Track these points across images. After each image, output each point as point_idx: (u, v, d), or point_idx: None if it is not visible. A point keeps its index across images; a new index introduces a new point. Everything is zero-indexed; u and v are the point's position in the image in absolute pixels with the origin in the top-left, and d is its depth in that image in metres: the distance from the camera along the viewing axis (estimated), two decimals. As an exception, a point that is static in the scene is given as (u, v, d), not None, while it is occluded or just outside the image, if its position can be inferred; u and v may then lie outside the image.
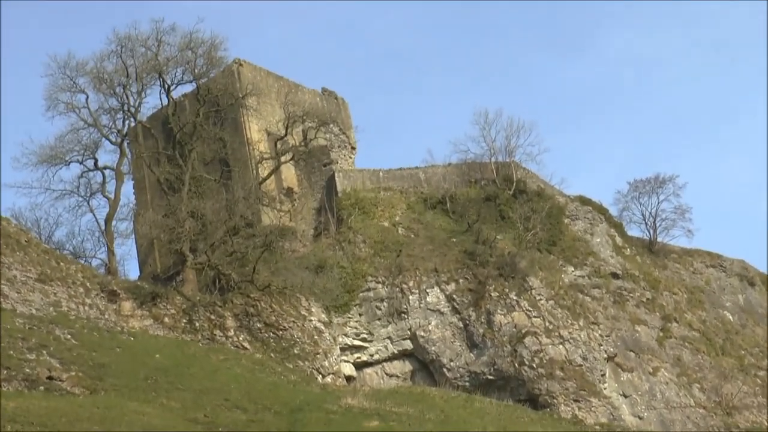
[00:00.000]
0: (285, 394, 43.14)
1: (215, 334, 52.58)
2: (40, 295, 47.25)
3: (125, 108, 63.59)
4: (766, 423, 62.68)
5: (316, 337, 55.34)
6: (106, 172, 63.39)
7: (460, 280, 60.51)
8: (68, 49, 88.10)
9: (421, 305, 59.73)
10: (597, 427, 55.00)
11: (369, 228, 63.04)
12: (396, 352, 59.73)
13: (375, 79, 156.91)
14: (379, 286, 60.26)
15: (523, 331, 58.27)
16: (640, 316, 65.62)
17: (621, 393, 60.47)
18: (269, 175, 64.02)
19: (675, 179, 74.10)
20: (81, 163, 63.32)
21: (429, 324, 59.40)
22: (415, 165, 69.43)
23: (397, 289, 59.97)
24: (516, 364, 57.29)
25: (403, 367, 59.89)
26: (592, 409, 56.26)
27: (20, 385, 36.18)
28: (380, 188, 66.41)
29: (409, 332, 59.49)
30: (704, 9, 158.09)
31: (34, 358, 38.56)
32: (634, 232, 74.37)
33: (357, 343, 59.41)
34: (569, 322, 59.99)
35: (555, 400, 56.04)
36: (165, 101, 65.17)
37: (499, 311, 59.00)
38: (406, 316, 59.63)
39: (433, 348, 58.91)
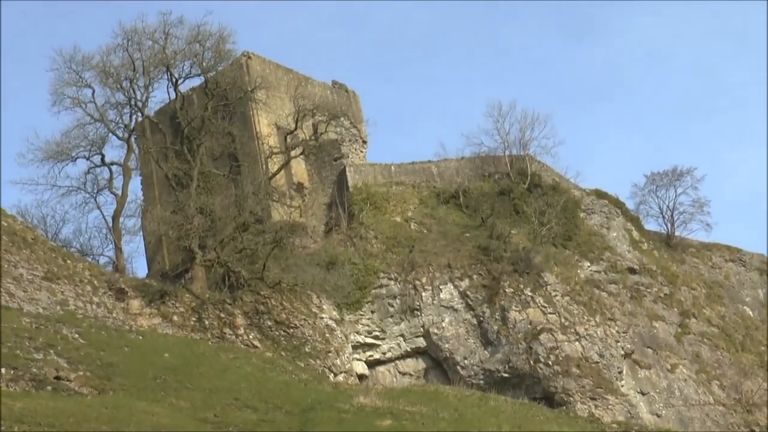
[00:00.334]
0: (296, 393, 42.71)
1: (225, 333, 52.13)
2: (47, 294, 46.83)
3: (132, 102, 63.07)
4: (786, 420, 62.04)
5: (327, 335, 54.86)
6: (113, 167, 62.94)
7: (474, 276, 59.94)
8: (74, 42, 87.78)
9: (435, 302, 59.21)
10: (614, 426, 54.27)
11: (381, 223, 62.54)
12: (409, 349, 59.27)
13: (386, 71, 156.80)
14: (392, 282, 59.78)
15: (539, 328, 57.73)
16: (657, 311, 65.08)
17: (638, 390, 59.99)
18: (279, 170, 63.50)
19: (693, 172, 73.89)
20: (88, 158, 62.90)
21: (442, 321, 58.85)
22: (427, 159, 69.11)
23: (410, 285, 59.49)
24: (531, 362, 56.76)
25: (417, 365, 59.40)
26: (609, 407, 55.70)
27: (27, 385, 35.83)
28: (392, 183, 65.90)
29: (422, 329, 58.98)
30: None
31: (41, 357, 38.16)
32: (651, 226, 74.08)
33: (369, 340, 58.94)
34: (585, 318, 59.41)
35: (571, 398, 55.54)
36: (173, 95, 64.75)
37: (513, 307, 58.45)
38: (419, 313, 59.13)
39: (446, 345, 58.38)
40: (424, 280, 59.67)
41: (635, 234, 70.25)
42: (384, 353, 59.26)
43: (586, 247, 65.70)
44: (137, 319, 50.38)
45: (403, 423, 39.68)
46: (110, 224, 61.04)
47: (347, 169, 65.47)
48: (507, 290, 59.13)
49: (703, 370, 63.58)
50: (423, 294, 59.35)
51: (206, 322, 52.46)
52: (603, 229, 68.15)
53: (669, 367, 62.20)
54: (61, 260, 50.46)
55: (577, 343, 57.90)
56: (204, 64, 63.48)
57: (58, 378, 36.77)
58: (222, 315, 53.02)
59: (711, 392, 62.35)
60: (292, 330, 53.86)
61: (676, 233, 73.86)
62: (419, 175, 67.39)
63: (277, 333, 53.53)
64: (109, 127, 62.67)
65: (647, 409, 59.34)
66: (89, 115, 62.27)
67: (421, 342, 59.20)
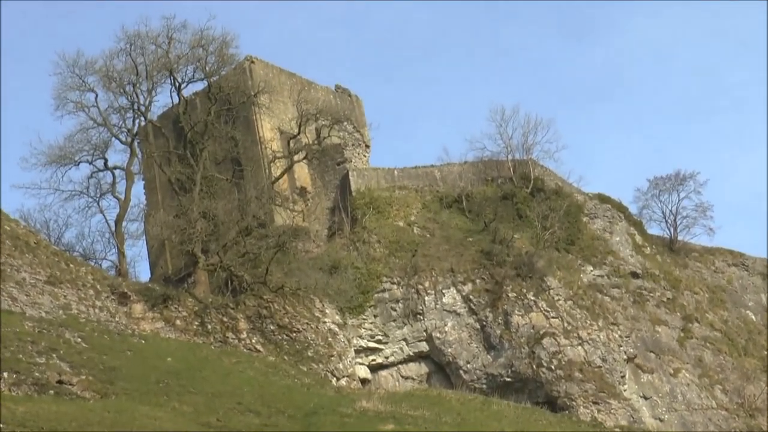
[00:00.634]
0: (299, 397, 42.67)
1: (228, 337, 52.07)
2: (49, 298, 46.81)
3: (135, 107, 63.15)
4: (790, 425, 61.86)
5: (330, 339, 54.78)
6: (116, 172, 63.06)
7: (477, 281, 59.83)
8: (77, 47, 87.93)
9: (437, 306, 59.11)
10: (617, 430, 54.38)
11: (384, 228, 62.46)
12: (412, 354, 59.16)
13: (387, 72, 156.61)
14: (394, 286, 59.66)
15: (541, 332, 57.59)
16: (660, 316, 64.94)
17: (641, 395, 59.82)
18: (282, 174, 63.46)
19: (696, 176, 73.68)
20: (91, 163, 62.99)
21: (445, 325, 58.75)
22: (430, 163, 68.94)
23: (413, 289, 59.38)
24: (534, 366, 56.60)
25: (419, 369, 59.27)
26: (612, 411, 55.56)
27: (30, 389, 35.84)
28: (395, 187, 65.81)
29: (424, 334, 58.88)
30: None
31: (43, 361, 38.17)
32: (654, 230, 73.92)
33: (372, 345, 58.82)
34: (588, 322, 59.28)
35: (574, 403, 55.36)
36: (176, 100, 64.78)
37: (516, 312, 58.32)
38: (421, 318, 59.03)
39: (449, 350, 58.28)
40: (426, 284, 59.57)
41: (638, 238, 70.10)
42: (387, 357, 59.13)
43: (588, 251, 65.56)
44: (140, 323, 50.34)
45: (405, 427, 39.74)
46: (113, 228, 61.11)
47: (350, 173, 65.40)
48: (510, 294, 59.00)
49: (706, 374, 63.40)
50: (426, 298, 59.23)
51: (209, 327, 52.40)
52: (606, 233, 67.99)
53: (672, 372, 62.02)
54: (63, 264, 50.44)
55: (579, 347, 57.75)
56: (207, 68, 63.53)
57: (60, 382, 36.78)
58: (225, 319, 52.96)
59: (714, 396, 62.18)
60: (294, 334, 53.78)
61: (679, 237, 73.67)
62: (422, 180, 67.32)
63: (279, 337, 53.47)
64: (112, 132, 62.78)
65: (650, 414, 59.19)
66: (92, 119, 62.41)
67: (423, 346, 59.07)
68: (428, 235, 62.87)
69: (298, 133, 64.25)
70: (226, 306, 53.42)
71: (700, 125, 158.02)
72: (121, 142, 63.21)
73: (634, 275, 66.00)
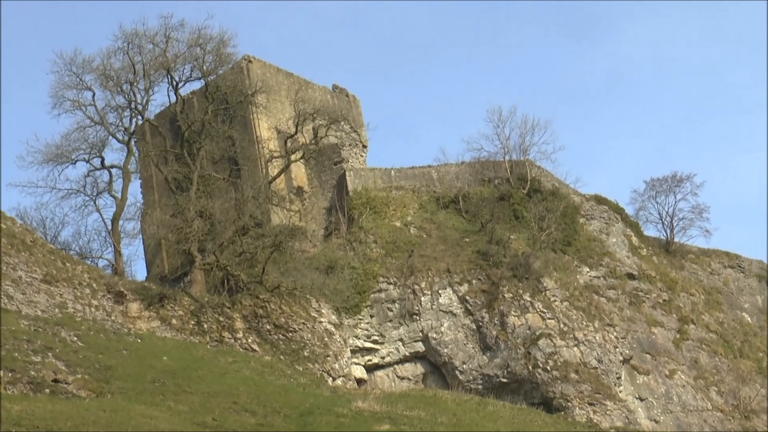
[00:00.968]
0: (295, 397, 42.62)
1: (224, 336, 52.01)
2: (45, 297, 46.71)
3: (132, 105, 63.03)
4: (784, 427, 61.95)
5: (326, 339, 54.74)
6: (113, 170, 62.97)
7: (473, 281, 59.83)
8: (75, 45, 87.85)
9: (434, 306, 59.09)
10: (612, 431, 54.18)
11: (380, 228, 62.46)
12: (408, 354, 59.17)
13: (386, 73, 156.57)
14: (391, 287, 59.66)
15: (537, 333, 57.60)
16: (656, 317, 65.00)
17: (637, 396, 59.84)
18: (279, 173, 63.40)
19: (692, 178, 73.92)
20: (87, 161, 62.90)
21: (441, 326, 58.74)
22: (427, 163, 68.93)
23: (409, 290, 59.37)
24: (530, 367, 56.59)
25: (415, 369, 59.27)
26: (608, 412, 55.55)
27: (25, 387, 35.73)
28: (392, 187, 65.81)
29: (421, 334, 58.87)
30: (722, 1, 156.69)
31: (39, 360, 38.09)
32: (650, 231, 74.08)
33: (368, 345, 58.82)
34: (584, 323, 59.30)
35: (569, 404, 55.35)
36: (173, 99, 64.60)
37: (512, 313, 58.32)
38: (418, 318, 59.02)
39: (445, 350, 58.27)
40: (423, 284, 59.56)
41: (634, 240, 70.14)
42: (383, 358, 59.12)
43: (585, 252, 65.61)
44: (136, 322, 50.29)
45: (401, 428, 39.72)
46: (109, 227, 61.00)
47: (347, 173, 65.38)
48: (506, 295, 59.01)
49: (702, 376, 63.45)
50: (422, 299, 59.24)
51: (205, 326, 52.33)
52: (602, 234, 68.03)
53: (667, 373, 62.07)
54: (60, 263, 50.36)
55: (575, 348, 57.76)
56: (204, 67, 63.40)
57: (56, 381, 36.70)
58: (221, 318, 52.90)
59: (709, 398, 62.21)
60: (290, 334, 53.73)
61: (676, 239, 73.85)
62: (419, 180, 67.31)
63: (275, 337, 53.42)
64: (109, 130, 62.68)
65: (645, 415, 59.21)
66: (89, 117, 62.32)
67: (419, 346, 59.07)
68: (425, 236, 62.85)
69: (295, 133, 64.15)
70: (223, 305, 53.38)
71: (698, 126, 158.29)
72: (118, 140, 63.19)
73: (631, 276, 66.07)
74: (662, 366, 62.25)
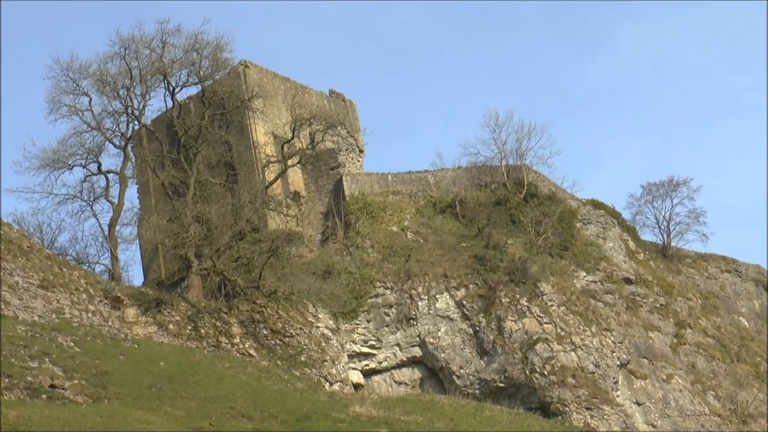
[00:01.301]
0: (292, 402, 42.56)
1: (221, 341, 51.97)
2: (42, 302, 46.61)
3: (129, 111, 63.05)
4: (781, 431, 61.96)
5: (323, 344, 54.72)
6: (110, 176, 63.04)
7: (470, 286, 59.82)
8: (71, 50, 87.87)
9: (431, 311, 59.07)
10: (609, 436, 54.26)
11: (377, 233, 62.45)
12: (405, 359, 59.11)
13: (383, 80, 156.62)
14: (388, 291, 59.64)
15: (535, 338, 57.57)
16: (653, 322, 65.00)
17: (634, 401, 59.82)
18: (276, 178, 63.39)
19: (689, 182, 74.01)
20: (84, 167, 62.92)
21: (438, 330, 58.72)
22: (424, 168, 68.95)
23: (406, 294, 59.35)
24: (527, 372, 56.56)
25: (412, 374, 59.23)
26: (605, 417, 55.55)
27: (22, 393, 35.65)
28: (389, 192, 65.79)
29: (418, 339, 58.84)
30: (720, 6, 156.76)
31: (36, 366, 38.01)
32: (647, 236, 74.11)
33: (365, 350, 58.77)
34: (581, 328, 59.30)
35: (567, 408, 55.31)
36: (169, 104, 64.68)
37: (509, 317, 58.30)
38: (415, 323, 58.98)
39: (442, 355, 58.23)
40: (420, 289, 59.55)
41: (631, 244, 70.15)
42: (380, 362, 59.07)
43: (582, 257, 65.62)
44: (133, 327, 50.22)
45: (398, 433, 39.66)
46: (106, 232, 60.98)
47: (344, 178, 65.38)
48: (503, 300, 58.99)
49: (699, 380, 63.44)
50: (419, 303, 59.22)
51: (202, 331, 52.29)
52: (599, 239, 68.05)
53: (665, 378, 62.06)
54: (56, 268, 50.29)
55: (572, 353, 57.76)
56: (201, 72, 63.46)
57: (53, 386, 36.62)
58: (218, 324, 52.86)
59: (706, 403, 62.20)
60: (287, 339, 53.70)
61: (672, 244, 73.89)
62: (416, 185, 67.31)
63: (272, 342, 53.38)
64: (105, 136, 62.67)
65: (643, 420, 59.18)
66: (86, 123, 62.30)
67: (416, 351, 59.02)
68: (422, 240, 62.84)
69: (292, 138, 64.17)
70: (219, 310, 53.35)
71: (697, 130, 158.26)
72: (115, 146, 63.16)
73: (628, 281, 66.09)
74: (659, 370, 62.24)
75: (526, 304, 58.91)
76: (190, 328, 52.20)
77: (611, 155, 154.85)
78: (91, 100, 62.39)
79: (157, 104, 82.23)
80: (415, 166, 69.43)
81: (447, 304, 59.35)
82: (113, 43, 62.21)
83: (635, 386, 60.58)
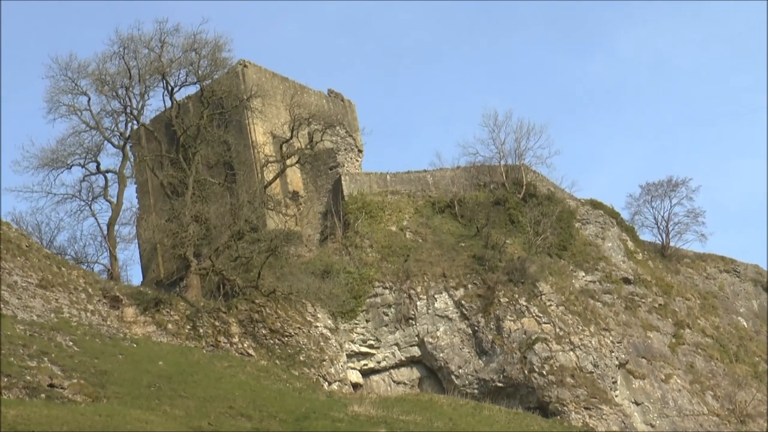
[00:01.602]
0: (290, 401, 42.59)
1: (219, 341, 51.96)
2: (41, 302, 46.61)
3: (128, 110, 62.97)
4: (780, 431, 61.97)
5: (322, 343, 54.70)
6: (109, 175, 62.98)
7: (469, 286, 59.81)
8: (70, 50, 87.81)
9: (429, 311, 59.06)
10: (608, 436, 54.27)
11: (376, 232, 62.45)
12: (403, 358, 59.09)
13: (382, 80, 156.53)
14: (387, 291, 59.61)
15: (533, 338, 57.58)
16: (652, 322, 65.01)
17: (633, 400, 59.81)
18: (274, 178, 63.38)
19: (688, 182, 74.08)
20: (83, 166, 62.84)
21: (437, 330, 58.71)
22: (423, 168, 68.95)
23: (405, 294, 59.33)
24: (526, 371, 56.56)
25: (411, 374, 59.21)
26: (604, 416, 55.54)
27: (21, 392, 35.69)
28: (387, 192, 65.79)
29: (416, 339, 58.83)
30: (719, 6, 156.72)
31: (35, 365, 38.04)
32: (646, 236, 74.13)
33: (364, 349, 58.75)
34: (580, 328, 59.29)
35: (565, 408, 55.31)
36: (168, 103, 64.56)
37: (508, 317, 58.30)
38: (413, 322, 58.97)
39: (441, 355, 58.21)
40: (419, 289, 59.54)
41: (630, 244, 70.17)
42: (378, 362, 59.05)
43: (580, 257, 65.63)
44: (132, 327, 50.21)
45: (397, 432, 39.69)
46: (105, 232, 60.97)
47: (343, 177, 65.39)
48: (502, 300, 58.99)
49: (698, 380, 63.45)
50: (418, 303, 59.22)
51: (201, 331, 52.29)
52: (598, 239, 68.06)
53: (663, 378, 62.07)
54: (55, 268, 50.28)
55: (571, 352, 57.76)
56: (200, 72, 63.38)
57: (51, 386, 36.66)
58: (216, 323, 52.85)
59: (705, 403, 62.20)
60: (286, 338, 53.69)
61: (671, 244, 73.94)
62: (414, 185, 67.31)
63: (271, 341, 53.37)
64: (104, 135, 62.63)
65: (641, 419, 59.18)
66: (85, 122, 62.24)
67: (415, 351, 59.00)
68: (420, 240, 62.84)
69: (291, 138, 64.17)
70: (218, 310, 53.33)
71: (696, 130, 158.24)
72: (114, 145, 63.13)
73: (626, 281, 66.10)
74: (658, 370, 62.25)
75: (524, 303, 58.93)
76: (188, 327, 52.19)
77: (610, 155, 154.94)
78: (89, 99, 62.40)
79: (155, 104, 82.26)
80: (414, 166, 69.50)
81: (446, 304, 59.35)
82: (112, 42, 62.21)
83: (634, 386, 60.58)
